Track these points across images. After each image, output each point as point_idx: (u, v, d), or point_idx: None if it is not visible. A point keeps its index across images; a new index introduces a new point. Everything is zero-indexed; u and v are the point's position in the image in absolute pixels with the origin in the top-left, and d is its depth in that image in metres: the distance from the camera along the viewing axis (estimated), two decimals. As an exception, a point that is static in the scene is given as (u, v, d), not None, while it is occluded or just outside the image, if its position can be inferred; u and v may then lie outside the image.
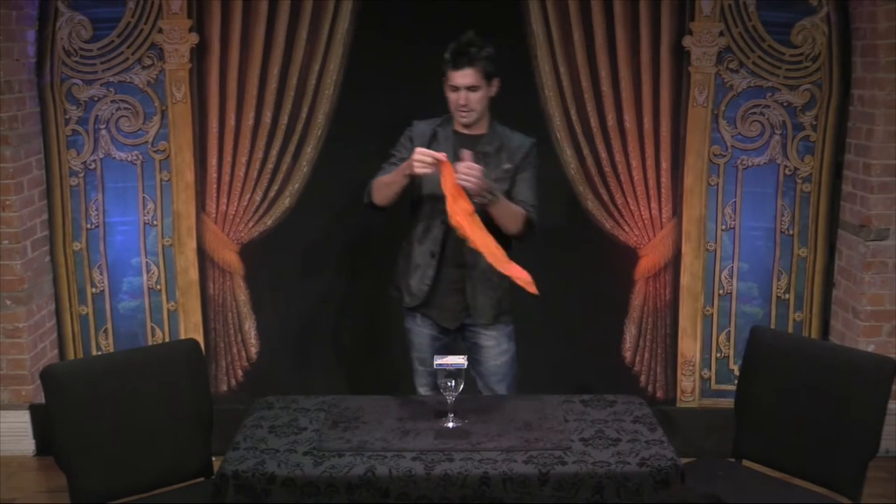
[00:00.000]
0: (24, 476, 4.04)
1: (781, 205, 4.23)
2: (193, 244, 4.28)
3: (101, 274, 4.32)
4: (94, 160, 4.24)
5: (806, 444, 2.97)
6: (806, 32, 4.07)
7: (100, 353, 4.32)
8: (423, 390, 3.46)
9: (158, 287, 4.33)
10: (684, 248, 4.26)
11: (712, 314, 4.33)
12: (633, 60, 4.10)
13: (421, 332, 3.41)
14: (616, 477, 2.50)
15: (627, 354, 4.37)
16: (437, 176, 3.02)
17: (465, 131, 3.27)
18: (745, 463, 3.16)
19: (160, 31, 4.11)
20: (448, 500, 2.48)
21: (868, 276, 4.03)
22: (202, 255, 4.30)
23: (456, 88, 3.17)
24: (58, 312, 4.34)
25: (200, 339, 4.25)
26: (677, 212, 4.24)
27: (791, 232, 4.25)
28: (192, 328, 4.33)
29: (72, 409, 2.79)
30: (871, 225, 3.98)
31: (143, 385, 2.93)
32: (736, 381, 3.31)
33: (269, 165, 4.21)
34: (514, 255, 3.12)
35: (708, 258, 4.28)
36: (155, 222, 4.29)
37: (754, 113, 4.16)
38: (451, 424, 2.76)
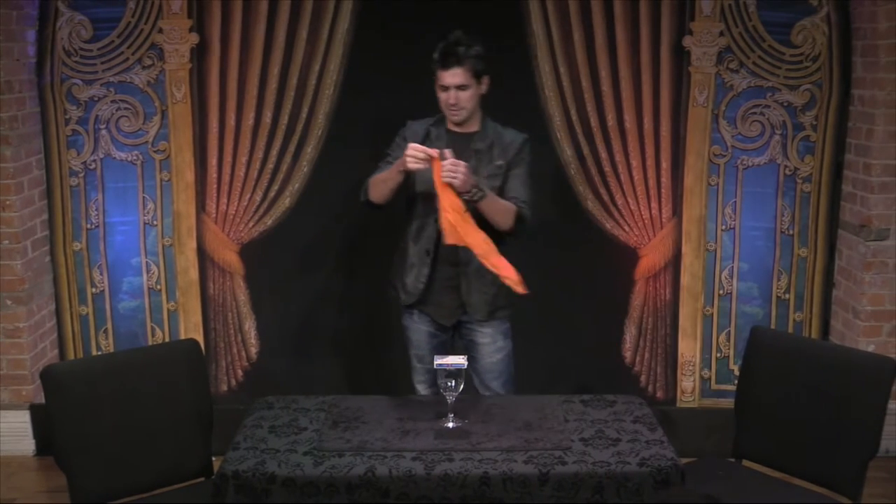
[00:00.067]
0: (24, 476, 4.03)
1: (781, 205, 4.23)
2: (193, 244, 4.28)
3: (102, 274, 4.32)
4: (95, 160, 4.23)
5: (806, 444, 2.97)
6: (806, 32, 4.07)
7: (100, 353, 4.32)
8: (420, 387, 3.48)
9: (158, 287, 4.33)
10: (684, 248, 4.26)
11: (712, 314, 4.32)
12: (633, 60, 4.10)
13: (418, 329, 3.43)
14: (616, 477, 2.50)
15: (627, 354, 4.37)
16: (430, 174, 3.05)
17: (458, 129, 3.28)
18: (745, 463, 3.16)
19: (160, 31, 4.11)
20: (448, 500, 2.48)
21: (868, 276, 4.02)
22: (202, 255, 4.29)
23: (446, 87, 3.20)
24: (58, 312, 4.34)
25: (200, 339, 4.25)
26: (677, 212, 4.23)
27: (791, 232, 4.25)
28: (192, 328, 4.32)
29: (72, 409, 2.79)
30: (872, 225, 3.98)
31: (143, 385, 2.93)
32: (736, 382, 3.30)
33: (270, 165, 4.21)
34: (512, 255, 3.12)
35: (708, 258, 4.28)
36: (155, 222, 4.28)
37: (754, 113, 4.16)
38: (451, 424, 2.76)
